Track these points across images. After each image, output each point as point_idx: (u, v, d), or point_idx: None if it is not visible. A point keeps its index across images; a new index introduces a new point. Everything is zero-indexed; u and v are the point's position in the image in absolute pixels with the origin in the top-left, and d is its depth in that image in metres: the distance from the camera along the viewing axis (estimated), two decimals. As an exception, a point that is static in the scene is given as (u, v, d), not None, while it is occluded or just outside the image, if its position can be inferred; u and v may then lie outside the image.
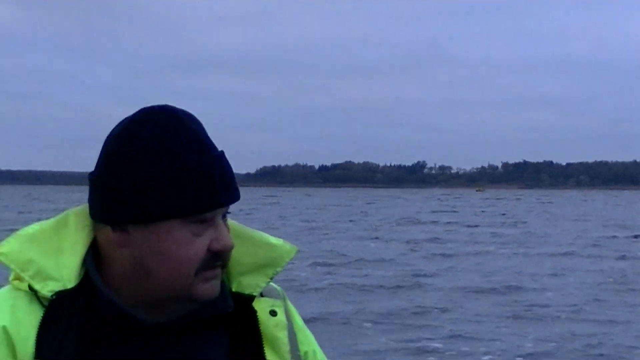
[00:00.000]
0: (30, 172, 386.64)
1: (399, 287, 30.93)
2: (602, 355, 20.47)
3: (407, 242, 52.43)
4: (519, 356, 20.41)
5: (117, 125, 2.59)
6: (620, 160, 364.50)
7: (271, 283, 2.74)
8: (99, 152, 2.62)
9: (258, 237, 2.74)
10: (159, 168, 2.48)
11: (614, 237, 59.13)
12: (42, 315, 2.47)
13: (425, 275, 34.23)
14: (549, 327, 24.98)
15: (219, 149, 2.61)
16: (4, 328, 2.45)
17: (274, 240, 2.75)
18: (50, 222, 2.64)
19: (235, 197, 2.57)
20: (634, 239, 57.82)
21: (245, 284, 2.67)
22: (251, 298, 2.66)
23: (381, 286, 32.03)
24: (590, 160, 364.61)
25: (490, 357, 19.79)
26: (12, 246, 2.55)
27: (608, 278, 35.11)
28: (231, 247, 2.55)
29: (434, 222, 73.98)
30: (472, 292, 30.91)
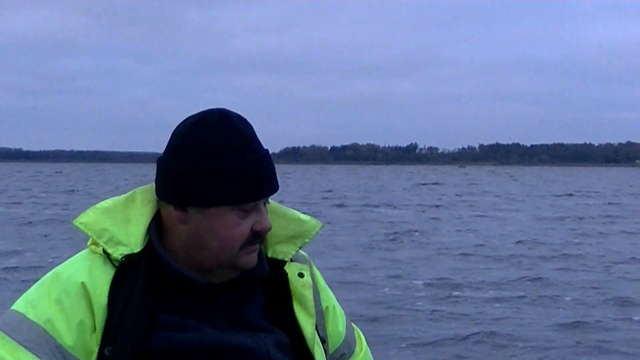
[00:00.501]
0: (96, 152, 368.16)
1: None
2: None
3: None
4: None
5: (183, 122, 2.66)
6: (573, 142, 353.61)
7: (300, 251, 2.84)
8: (168, 141, 2.66)
9: (290, 214, 2.83)
10: (217, 164, 2.56)
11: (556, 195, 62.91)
12: (113, 274, 2.55)
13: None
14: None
15: (265, 148, 2.67)
16: (83, 284, 2.53)
17: (303, 216, 2.85)
18: (121, 197, 2.72)
19: (274, 189, 2.64)
20: (568, 196, 61.95)
21: (278, 251, 2.78)
22: (283, 263, 2.77)
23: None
24: (550, 142, 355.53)
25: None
26: (90, 217, 2.64)
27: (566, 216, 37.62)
28: (269, 229, 2.64)
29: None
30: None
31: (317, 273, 2.89)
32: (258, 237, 2.60)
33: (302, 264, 2.80)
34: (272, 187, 2.62)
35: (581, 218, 39.05)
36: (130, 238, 2.60)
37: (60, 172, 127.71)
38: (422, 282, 18.88)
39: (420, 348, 12.68)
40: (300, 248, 2.80)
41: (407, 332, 13.50)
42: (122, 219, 2.64)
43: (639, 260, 23.12)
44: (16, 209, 42.35)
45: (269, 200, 2.72)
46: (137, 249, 2.58)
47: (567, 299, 17.11)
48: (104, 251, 2.57)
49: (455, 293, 17.57)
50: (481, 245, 26.74)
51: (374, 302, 16.44)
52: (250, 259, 2.62)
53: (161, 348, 2.51)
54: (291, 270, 2.75)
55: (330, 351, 2.84)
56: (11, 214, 38.35)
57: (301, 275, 2.76)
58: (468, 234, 30.78)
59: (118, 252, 2.57)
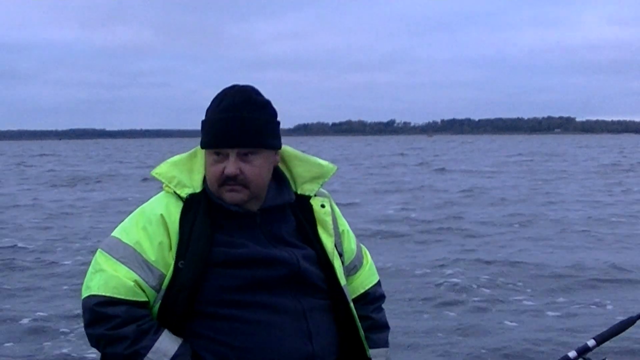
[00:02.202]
0: (159, 130, 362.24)
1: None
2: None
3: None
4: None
5: None
6: (509, 117, 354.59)
7: (321, 189, 2.80)
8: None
9: (312, 160, 2.78)
10: (207, 118, 2.62)
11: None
12: (181, 207, 2.60)
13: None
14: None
15: (249, 114, 2.57)
16: (161, 215, 2.58)
17: (322, 161, 2.80)
18: (186, 154, 2.72)
19: (233, 144, 2.55)
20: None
21: (305, 188, 2.75)
22: (309, 197, 2.75)
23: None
24: (492, 117, 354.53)
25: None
26: (162, 169, 2.68)
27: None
28: (231, 174, 2.55)
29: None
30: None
31: (335, 205, 2.86)
32: (228, 179, 2.58)
33: (323, 197, 2.80)
34: (230, 141, 2.56)
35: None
36: (193, 182, 2.65)
37: (142, 146, 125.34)
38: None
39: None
40: (321, 186, 2.80)
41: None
42: (187, 169, 2.68)
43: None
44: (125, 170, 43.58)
45: (294, 149, 2.78)
46: (198, 189, 2.64)
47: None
48: (174, 192, 2.63)
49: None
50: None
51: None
52: (231, 196, 2.61)
53: (219, 260, 2.56)
54: (315, 202, 2.76)
55: (346, 263, 2.83)
56: (131, 174, 39.20)
57: (323, 206, 2.77)
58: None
59: (184, 192, 2.63)
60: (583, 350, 2.65)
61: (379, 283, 2.99)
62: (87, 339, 2.61)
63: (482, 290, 10.36)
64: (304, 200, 2.75)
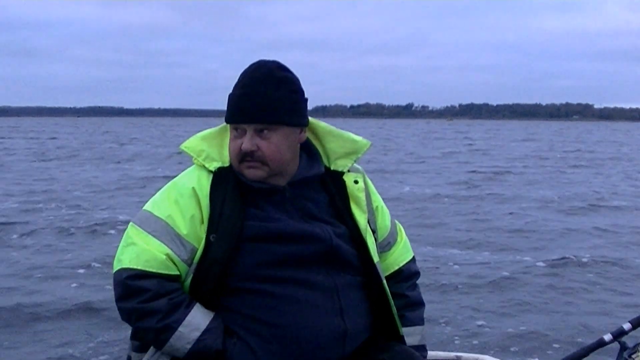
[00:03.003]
0: (177, 109, 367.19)
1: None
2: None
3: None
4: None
5: None
6: (527, 102, 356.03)
7: (355, 164, 2.77)
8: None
9: (346, 135, 2.75)
10: (231, 94, 2.62)
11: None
12: (211, 180, 2.60)
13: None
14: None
15: (274, 91, 2.56)
16: (193, 188, 2.57)
17: (356, 137, 2.77)
18: (217, 128, 2.72)
19: (249, 120, 2.55)
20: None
21: (338, 164, 2.72)
22: (342, 173, 2.72)
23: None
24: (510, 102, 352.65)
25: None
26: (192, 142, 2.68)
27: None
28: (249, 150, 2.55)
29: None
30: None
31: (369, 181, 2.84)
32: (246, 155, 2.58)
33: (357, 173, 2.78)
34: (246, 117, 2.57)
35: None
36: (222, 156, 2.65)
37: (164, 124, 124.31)
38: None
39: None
40: (354, 162, 2.77)
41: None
42: (216, 143, 2.68)
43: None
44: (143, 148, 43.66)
45: (327, 124, 2.76)
46: (226, 163, 2.64)
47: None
48: (204, 166, 2.63)
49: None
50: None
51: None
52: (250, 173, 2.61)
53: (250, 234, 2.55)
54: (348, 178, 2.74)
55: (380, 240, 2.81)
56: (147, 150, 39.88)
57: (356, 182, 2.74)
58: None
59: (212, 166, 2.62)
60: (619, 334, 2.62)
61: (413, 260, 2.95)
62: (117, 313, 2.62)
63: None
64: (337, 176, 2.73)
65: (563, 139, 69.59)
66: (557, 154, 41.56)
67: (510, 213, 16.08)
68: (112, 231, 12.90)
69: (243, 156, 2.58)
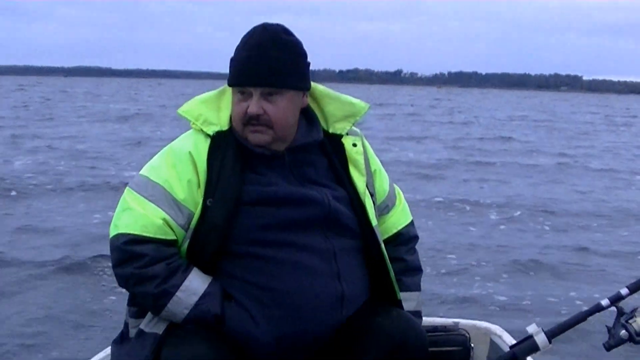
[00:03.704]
0: (165, 70, 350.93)
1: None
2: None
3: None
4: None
5: None
6: (516, 72, 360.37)
7: (353, 127, 2.75)
8: None
9: (344, 98, 2.72)
10: (234, 56, 2.59)
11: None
12: (209, 144, 2.56)
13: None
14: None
15: (282, 55, 2.54)
16: (190, 153, 2.53)
17: (354, 100, 2.75)
18: (215, 91, 2.69)
19: (255, 82, 2.52)
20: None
21: (337, 127, 2.70)
22: (341, 136, 2.69)
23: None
24: (499, 71, 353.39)
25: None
26: (190, 106, 2.65)
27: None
28: (255, 114, 2.52)
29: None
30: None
31: (367, 144, 2.82)
32: (251, 119, 2.56)
33: (355, 136, 2.76)
34: (254, 79, 2.54)
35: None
36: (220, 120, 2.62)
37: (150, 85, 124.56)
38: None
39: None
40: (353, 125, 2.76)
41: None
42: (214, 106, 2.66)
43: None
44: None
45: (325, 87, 2.75)
46: (225, 127, 2.61)
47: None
48: (201, 130, 2.61)
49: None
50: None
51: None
52: (255, 137, 2.59)
53: (248, 198, 2.54)
54: (347, 141, 2.72)
55: (378, 203, 2.79)
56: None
57: (354, 145, 2.73)
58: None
59: (211, 130, 2.60)
60: (616, 299, 2.63)
61: (412, 223, 2.95)
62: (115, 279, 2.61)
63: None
64: (336, 140, 2.72)
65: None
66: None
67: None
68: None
69: (248, 119, 2.56)
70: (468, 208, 13.05)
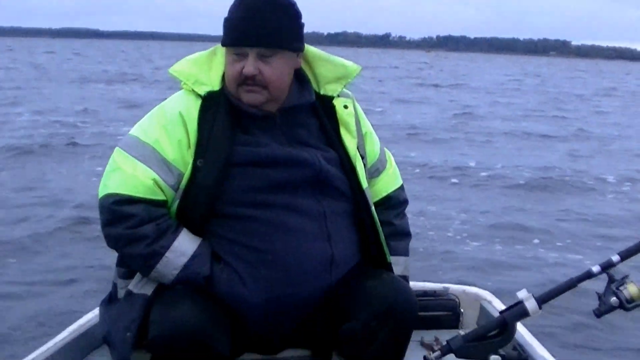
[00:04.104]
0: (153, 32, 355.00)
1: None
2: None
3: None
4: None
5: None
6: (505, 37, 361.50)
7: (345, 89, 2.74)
8: None
9: (336, 60, 2.71)
10: (228, 16, 2.56)
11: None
12: (200, 105, 2.54)
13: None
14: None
15: (278, 16, 2.51)
16: (180, 113, 2.52)
17: (346, 62, 2.73)
18: (206, 52, 2.67)
19: (250, 43, 2.50)
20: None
21: (328, 89, 2.68)
22: (332, 98, 2.68)
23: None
24: (488, 36, 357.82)
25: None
26: (181, 66, 2.63)
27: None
28: (251, 75, 2.51)
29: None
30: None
31: (358, 106, 2.81)
32: (246, 79, 2.54)
33: (346, 98, 2.75)
34: (250, 40, 2.51)
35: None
36: (212, 80, 2.60)
37: (141, 48, 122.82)
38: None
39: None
40: (344, 87, 2.74)
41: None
42: (206, 67, 2.63)
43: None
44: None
45: (316, 48, 2.72)
46: (216, 87, 2.59)
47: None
48: (193, 90, 2.58)
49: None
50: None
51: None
52: (249, 97, 2.57)
53: (239, 159, 2.53)
54: (338, 103, 2.71)
55: (368, 166, 2.79)
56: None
57: (346, 107, 2.72)
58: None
59: (202, 90, 2.57)
60: (607, 266, 2.62)
61: (402, 187, 2.94)
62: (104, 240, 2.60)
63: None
64: (327, 101, 2.70)
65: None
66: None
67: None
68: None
69: (244, 80, 2.54)
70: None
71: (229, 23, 2.55)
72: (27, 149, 13.71)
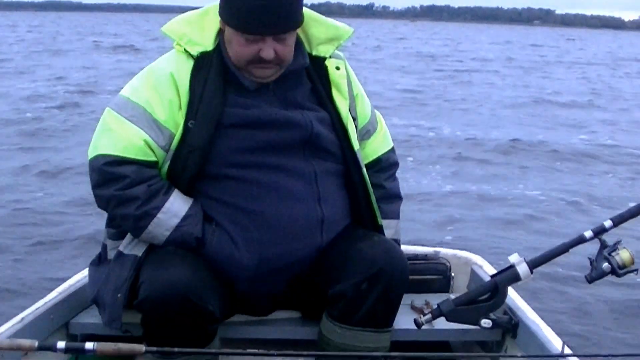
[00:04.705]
0: (137, 5, 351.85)
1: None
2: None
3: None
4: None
5: None
6: (488, 6, 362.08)
7: (337, 51, 2.73)
8: None
9: (329, 22, 2.70)
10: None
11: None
12: (192, 66, 2.52)
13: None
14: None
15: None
16: (171, 73, 2.50)
17: (338, 23, 2.72)
18: (198, 11, 2.64)
19: (271, 32, 2.46)
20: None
21: (320, 50, 2.67)
22: (324, 59, 2.68)
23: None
24: (472, 5, 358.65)
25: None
26: (173, 25, 2.59)
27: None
28: (270, 59, 2.48)
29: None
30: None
31: (350, 68, 2.80)
32: (265, 61, 2.51)
33: (338, 60, 2.73)
34: (271, 29, 2.46)
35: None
36: (204, 40, 2.57)
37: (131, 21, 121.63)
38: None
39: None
40: (336, 48, 2.72)
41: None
42: (198, 27, 2.60)
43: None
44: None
45: (310, 10, 2.67)
46: (209, 48, 2.56)
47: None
48: (185, 50, 2.56)
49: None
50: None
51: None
52: (263, 72, 2.55)
53: (230, 120, 2.52)
54: (330, 64, 2.69)
55: (359, 128, 2.78)
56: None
57: (338, 68, 2.70)
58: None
59: (195, 50, 2.55)
60: (599, 231, 2.62)
61: (392, 150, 2.95)
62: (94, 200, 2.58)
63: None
64: (319, 63, 2.69)
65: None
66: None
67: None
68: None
69: (259, 60, 2.50)
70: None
71: (242, 8, 2.46)
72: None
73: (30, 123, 13.39)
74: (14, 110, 14.78)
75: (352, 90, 2.76)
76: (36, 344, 1.86)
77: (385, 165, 2.89)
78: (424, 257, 3.31)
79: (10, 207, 7.77)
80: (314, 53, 2.69)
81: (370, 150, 2.86)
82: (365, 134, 2.84)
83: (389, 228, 2.82)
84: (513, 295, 2.93)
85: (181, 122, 2.49)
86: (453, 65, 31.96)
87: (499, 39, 70.42)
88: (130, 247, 2.55)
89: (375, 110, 2.95)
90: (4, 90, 17.92)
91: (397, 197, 2.90)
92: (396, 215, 2.87)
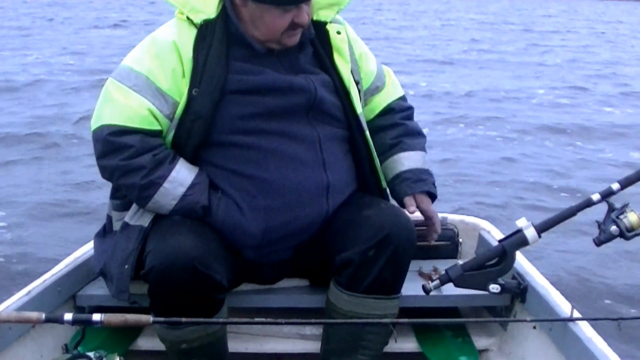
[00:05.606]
0: None
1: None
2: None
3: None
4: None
5: None
6: None
7: (337, 16, 2.73)
8: None
9: None
10: None
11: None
12: (195, 34, 2.50)
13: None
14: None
15: None
16: (174, 42, 2.48)
17: None
18: None
19: None
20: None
21: (321, 15, 2.67)
22: (325, 23, 2.68)
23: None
24: None
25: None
26: None
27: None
28: (307, 24, 2.54)
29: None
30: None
31: (351, 31, 2.80)
32: (297, 27, 2.52)
33: (339, 24, 2.73)
34: None
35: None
36: (208, 7, 2.54)
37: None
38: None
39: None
40: (337, 13, 2.72)
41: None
42: None
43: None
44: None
45: None
46: (213, 15, 2.53)
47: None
48: (188, 18, 2.53)
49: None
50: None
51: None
52: (293, 39, 2.56)
53: (235, 87, 2.51)
54: (331, 29, 2.69)
55: (367, 86, 2.80)
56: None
57: (339, 32, 2.70)
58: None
59: (198, 18, 2.52)
60: (607, 194, 2.59)
61: (404, 98, 2.95)
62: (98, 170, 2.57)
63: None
64: (320, 27, 2.68)
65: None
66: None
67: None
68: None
69: (295, 27, 2.52)
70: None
71: None
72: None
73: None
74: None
75: (353, 53, 2.76)
76: (43, 316, 1.87)
77: (398, 109, 2.90)
78: None
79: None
80: (314, 18, 2.67)
81: (380, 100, 2.86)
82: (375, 89, 2.85)
83: (416, 159, 2.80)
84: (521, 259, 2.92)
85: (185, 90, 2.47)
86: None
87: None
88: (135, 217, 2.54)
89: (383, 65, 2.94)
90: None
91: (419, 134, 2.89)
92: (422, 148, 2.86)
